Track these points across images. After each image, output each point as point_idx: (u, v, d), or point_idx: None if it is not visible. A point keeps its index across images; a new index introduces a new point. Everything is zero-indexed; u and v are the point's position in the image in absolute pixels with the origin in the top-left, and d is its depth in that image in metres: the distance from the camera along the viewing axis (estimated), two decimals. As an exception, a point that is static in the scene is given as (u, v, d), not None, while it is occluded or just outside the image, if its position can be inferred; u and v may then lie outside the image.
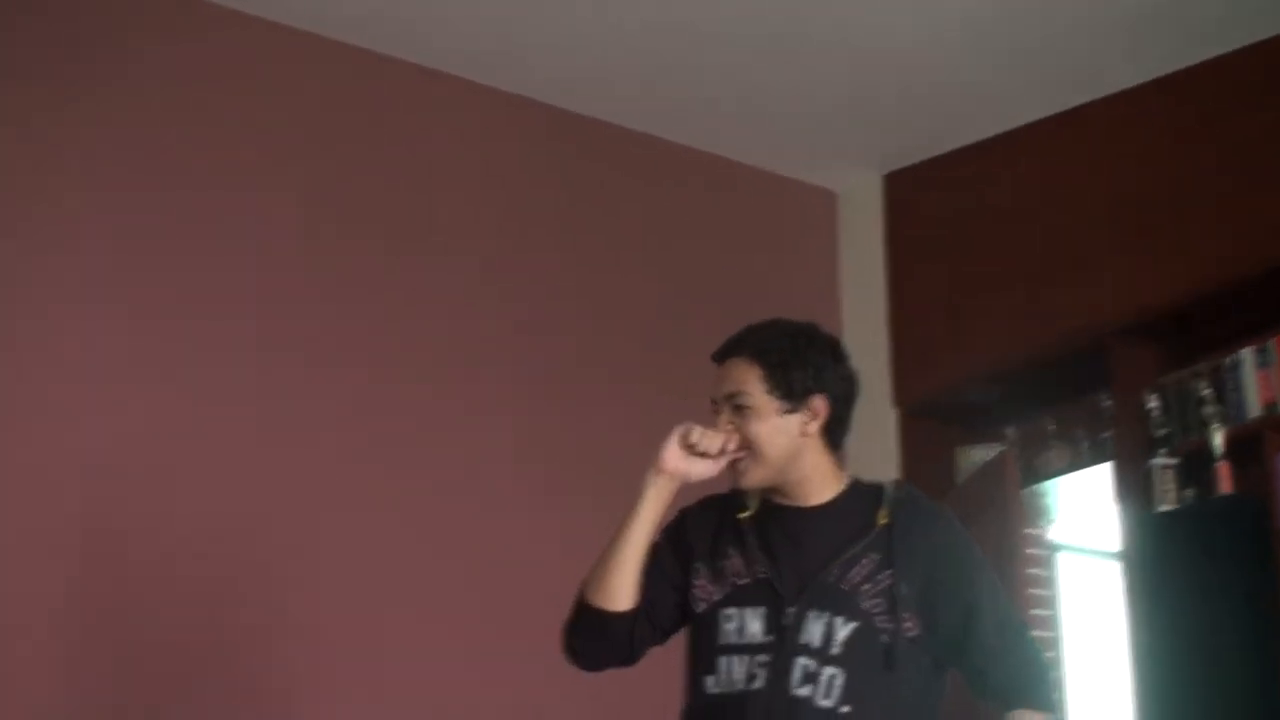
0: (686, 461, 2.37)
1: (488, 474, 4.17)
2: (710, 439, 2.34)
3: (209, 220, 3.97)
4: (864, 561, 2.29)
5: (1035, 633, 2.44)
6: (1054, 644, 5.24)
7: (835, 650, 2.25)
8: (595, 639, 2.42)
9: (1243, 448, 3.88)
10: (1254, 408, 3.90)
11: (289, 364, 3.99)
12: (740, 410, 2.35)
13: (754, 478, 2.36)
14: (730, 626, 2.32)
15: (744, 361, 2.37)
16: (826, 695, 2.23)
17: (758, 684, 2.26)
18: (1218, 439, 3.92)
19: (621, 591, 2.38)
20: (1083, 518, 5.25)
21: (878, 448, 4.79)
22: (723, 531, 2.40)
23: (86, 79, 3.87)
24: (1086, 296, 4.31)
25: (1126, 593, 4.08)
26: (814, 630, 2.26)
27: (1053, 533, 5.35)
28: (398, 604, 3.91)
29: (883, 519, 2.33)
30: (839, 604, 2.27)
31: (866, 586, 2.28)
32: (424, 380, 4.16)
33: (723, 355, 2.42)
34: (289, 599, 3.80)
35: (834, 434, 2.40)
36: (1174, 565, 3.92)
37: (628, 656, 2.43)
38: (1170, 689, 3.87)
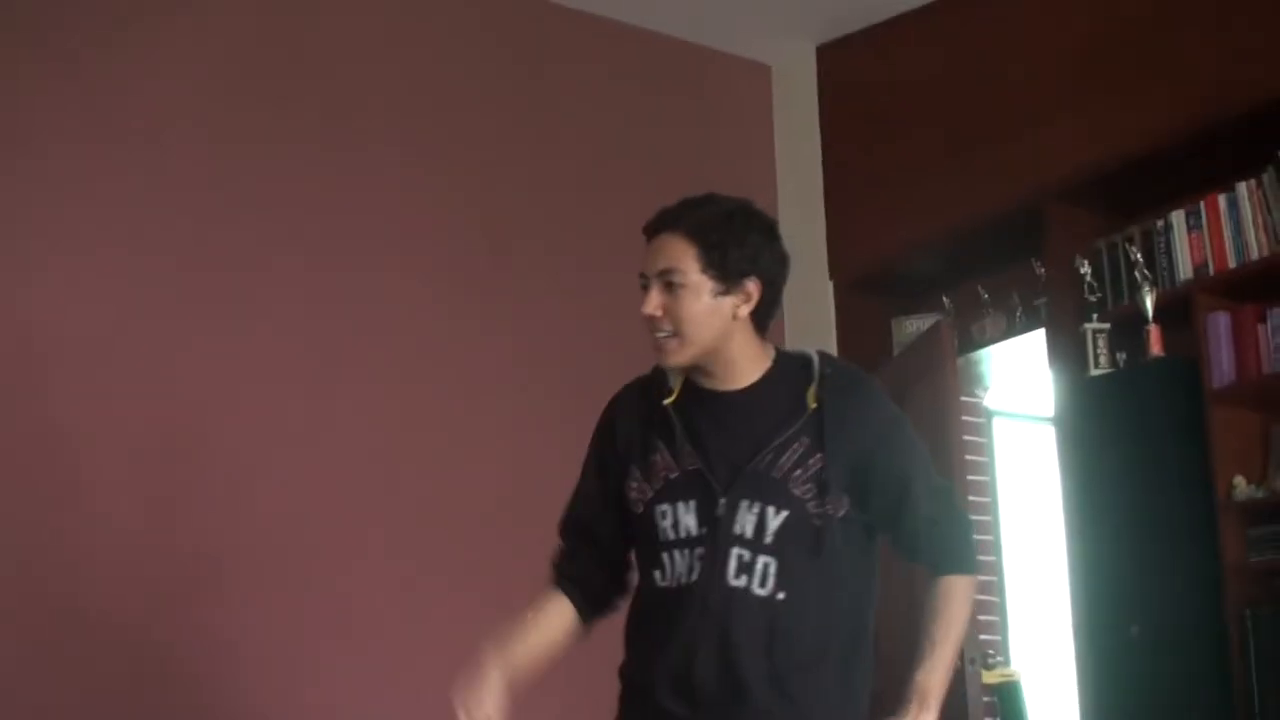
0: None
1: (445, 361, 4.18)
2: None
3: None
4: (795, 446, 2.27)
5: (958, 495, 2.49)
6: (990, 508, 5.35)
7: (768, 539, 2.24)
8: (600, 617, 2.45)
9: (1174, 311, 3.93)
10: (1185, 270, 3.94)
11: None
12: (672, 288, 2.27)
13: (679, 357, 2.30)
14: (666, 523, 2.30)
15: (679, 238, 2.29)
16: (762, 584, 2.24)
17: (695, 576, 2.26)
18: (1149, 302, 3.97)
19: (566, 638, 2.40)
20: (1017, 384, 5.32)
21: (815, 321, 4.81)
22: (651, 422, 2.36)
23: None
24: (1019, 162, 4.31)
25: (1060, 457, 4.15)
26: (746, 520, 2.25)
27: (988, 399, 5.43)
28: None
29: (812, 401, 2.29)
30: (770, 493, 2.25)
31: (798, 472, 2.26)
32: (368, 260, 4.15)
33: (656, 228, 2.33)
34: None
35: (763, 316, 2.35)
36: (1107, 429, 3.98)
37: (623, 589, 2.43)
38: (1103, 551, 3.95)
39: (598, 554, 2.42)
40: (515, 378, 4.19)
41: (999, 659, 4.99)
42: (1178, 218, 3.97)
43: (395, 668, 3.83)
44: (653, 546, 2.32)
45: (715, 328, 2.29)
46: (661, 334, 2.29)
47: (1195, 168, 3.93)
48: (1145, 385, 3.96)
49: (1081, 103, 4.18)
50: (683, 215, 2.32)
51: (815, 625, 2.26)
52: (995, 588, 5.30)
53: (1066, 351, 4.14)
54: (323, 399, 3.97)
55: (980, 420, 5.42)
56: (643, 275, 2.32)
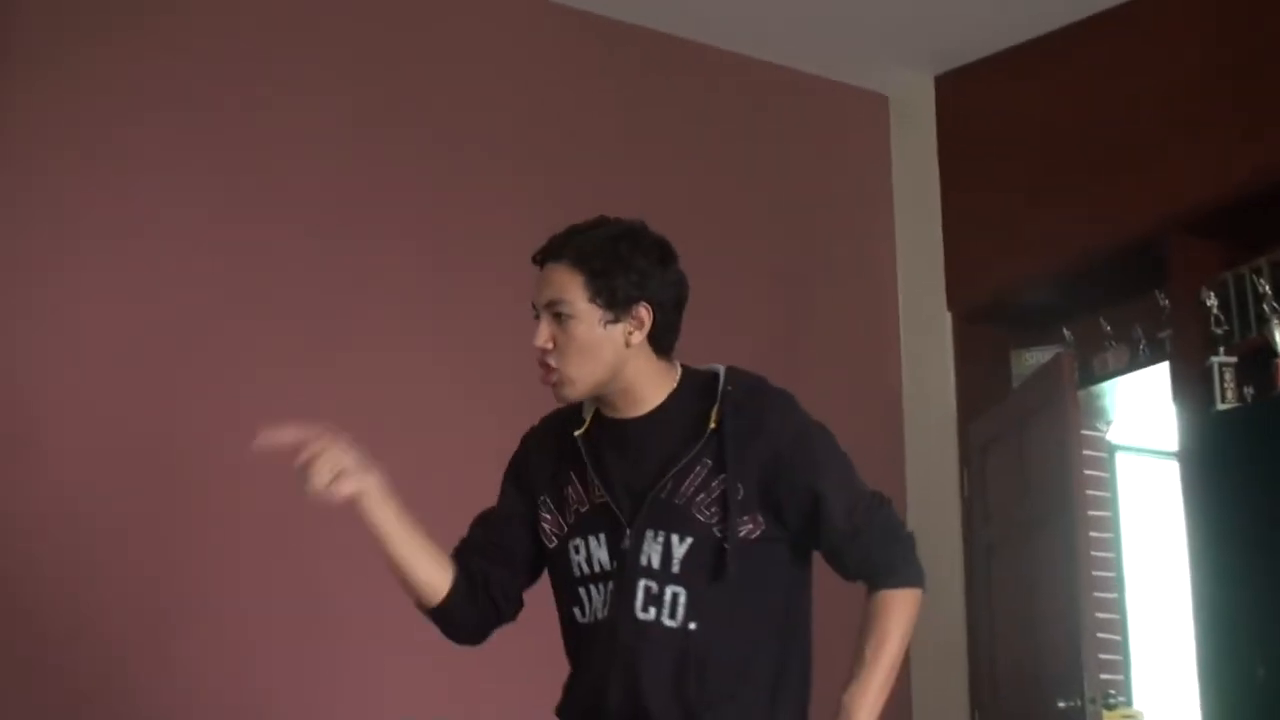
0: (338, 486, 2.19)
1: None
2: (317, 475, 2.16)
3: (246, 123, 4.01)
4: (697, 469, 2.20)
5: (890, 505, 2.29)
6: (1113, 544, 5.25)
7: (675, 568, 2.18)
8: (451, 629, 2.36)
9: (1303, 344, 3.84)
10: (1315, 304, 3.85)
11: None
12: (561, 319, 2.21)
13: (572, 391, 2.24)
14: (580, 558, 2.26)
15: (564, 267, 2.22)
16: (671, 615, 2.17)
17: (605, 611, 2.21)
18: (1278, 336, 3.88)
19: (426, 586, 2.29)
20: (1141, 418, 5.23)
21: (932, 352, 4.79)
22: (563, 454, 2.31)
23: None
24: (1143, 193, 4.25)
25: (1184, 492, 4.06)
26: (652, 550, 2.19)
27: (1111, 433, 5.33)
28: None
29: (712, 422, 2.21)
30: (674, 520, 2.19)
31: (701, 497, 2.19)
32: (482, 299, 4.18)
33: (543, 258, 2.26)
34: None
35: (661, 340, 2.26)
36: (1232, 464, 3.90)
37: (498, 616, 2.35)
38: (1229, 590, 3.86)
39: (491, 560, 2.33)
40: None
41: (1120, 699, 4.89)
42: (1308, 249, 3.89)
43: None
44: (569, 582, 2.28)
45: (606, 359, 2.22)
46: (549, 371, 2.23)
47: (1326, 198, 3.86)
48: (1273, 421, 3.87)
49: (1204, 133, 4.11)
50: (568, 243, 2.26)
51: (733, 656, 2.18)
52: (1118, 626, 5.20)
53: (1192, 385, 4.06)
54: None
55: (1102, 455, 5.32)
56: (534, 306, 2.26)
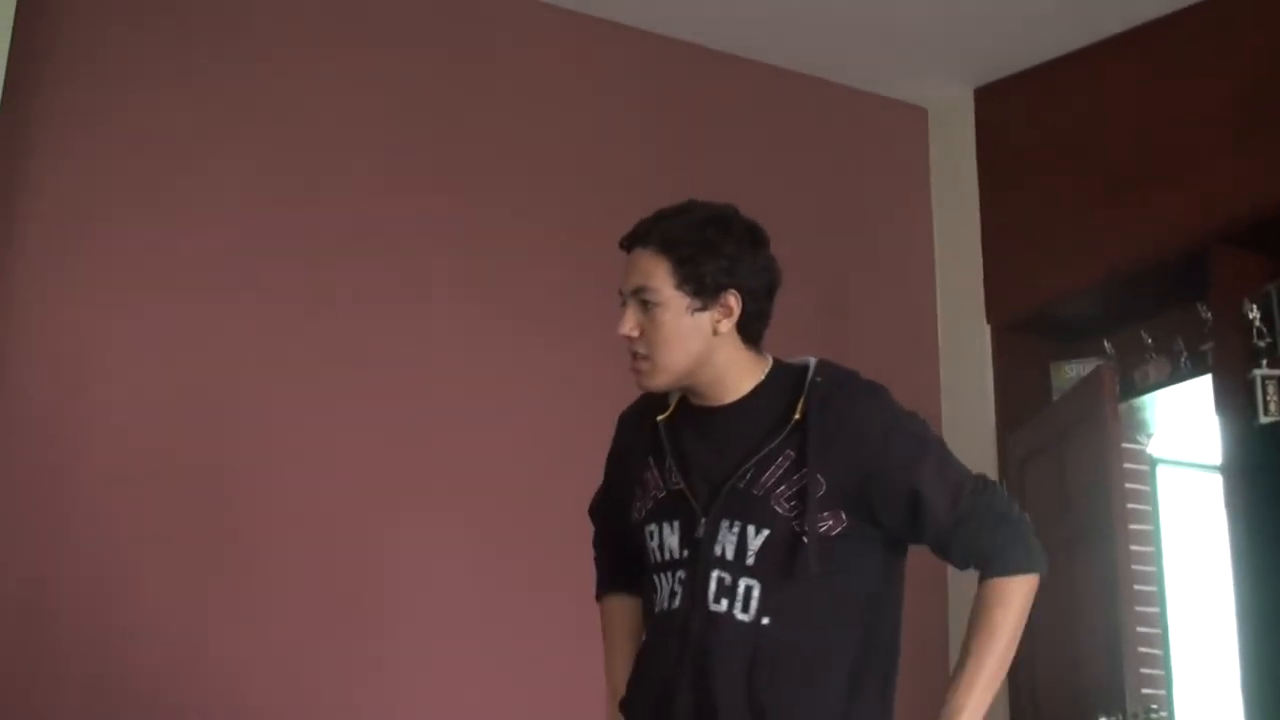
0: None
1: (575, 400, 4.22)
2: None
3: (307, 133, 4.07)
4: (779, 461, 2.14)
5: (998, 487, 2.23)
6: (1154, 558, 5.21)
7: (750, 560, 2.12)
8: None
9: (1347, 357, 3.81)
10: (1359, 316, 3.82)
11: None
12: (647, 306, 2.17)
13: (655, 382, 2.20)
14: (654, 544, 2.21)
15: (651, 253, 2.19)
16: (744, 609, 2.11)
17: (677, 602, 2.17)
18: (1321, 348, 3.86)
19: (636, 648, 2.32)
20: (1183, 431, 5.19)
21: (971, 364, 4.77)
22: (646, 438, 2.27)
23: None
24: (1184, 204, 4.22)
25: (1228, 506, 4.03)
26: (727, 541, 2.13)
27: (1152, 447, 5.30)
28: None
29: (797, 413, 2.15)
30: (751, 511, 2.13)
31: (781, 489, 2.13)
32: (519, 315, 4.21)
33: (629, 243, 2.23)
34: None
35: (750, 328, 2.21)
36: (1275, 477, 3.86)
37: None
38: (1273, 604, 3.83)
39: (623, 541, 2.37)
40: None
41: (1163, 713, 4.84)
42: (1352, 260, 3.85)
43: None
44: (646, 569, 2.25)
45: (694, 347, 2.18)
46: (636, 359, 2.20)
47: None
48: (1317, 434, 3.84)
49: (1245, 144, 4.08)
50: (655, 228, 2.22)
51: (806, 653, 2.11)
52: (1159, 640, 5.15)
53: (1234, 398, 4.03)
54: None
55: (1143, 468, 5.28)
56: (620, 293, 2.22)
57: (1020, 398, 4.70)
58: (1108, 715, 3.88)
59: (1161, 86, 4.40)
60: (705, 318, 2.18)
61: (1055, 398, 4.70)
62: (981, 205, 4.90)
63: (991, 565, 2.16)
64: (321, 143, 4.09)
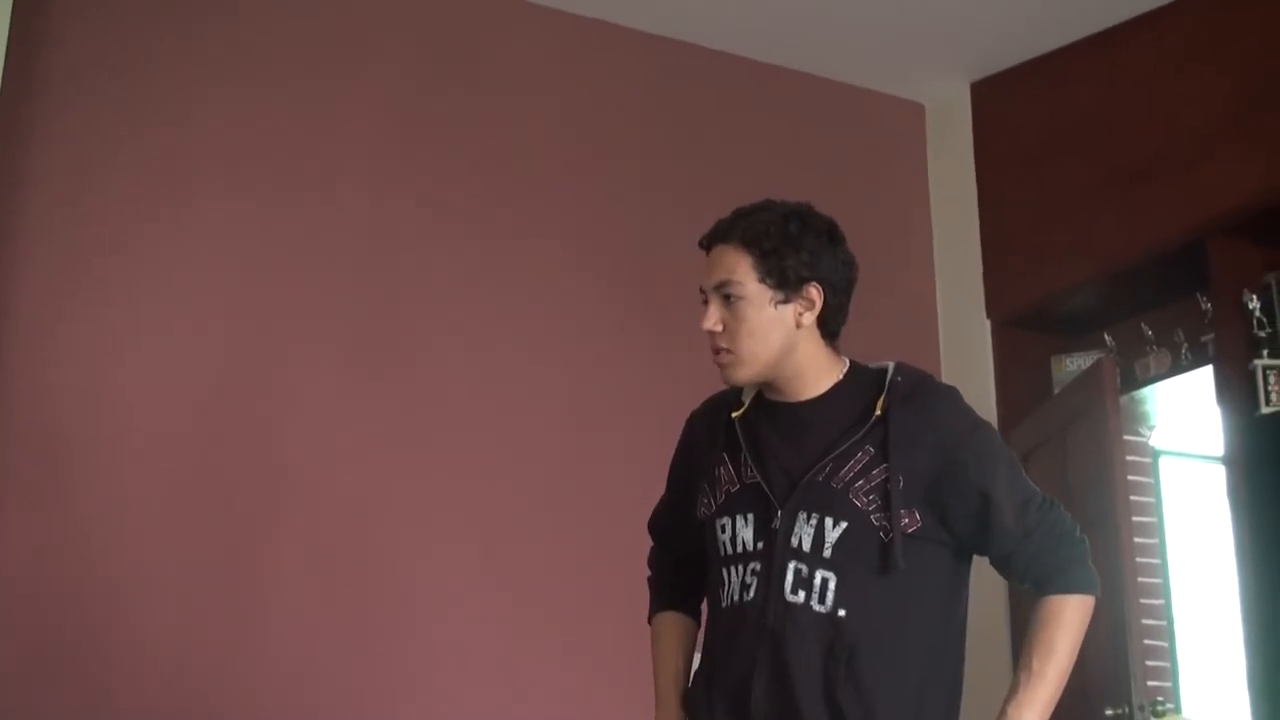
0: None
1: (583, 401, 4.22)
2: None
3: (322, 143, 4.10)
4: (858, 456, 2.16)
5: (1061, 507, 2.26)
6: (1158, 550, 5.21)
7: (827, 552, 2.14)
8: None
9: (1348, 346, 3.80)
10: (1359, 305, 3.82)
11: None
12: (730, 300, 2.21)
13: (739, 375, 2.23)
14: (725, 537, 2.23)
15: (734, 249, 2.22)
16: (821, 600, 2.13)
17: (752, 593, 2.18)
18: (1322, 338, 3.85)
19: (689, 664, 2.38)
20: (1184, 422, 5.19)
21: (972, 359, 4.77)
22: (718, 435, 2.30)
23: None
24: (1183, 196, 4.22)
25: (1230, 497, 4.03)
26: (804, 533, 2.15)
27: (1154, 439, 5.30)
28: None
29: (879, 409, 2.18)
30: (829, 503, 2.15)
31: (860, 483, 2.15)
32: (522, 316, 4.23)
33: (711, 241, 2.27)
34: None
35: (831, 323, 2.26)
36: (1278, 468, 3.86)
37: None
38: (1276, 592, 3.83)
39: (683, 554, 2.42)
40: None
41: (1169, 706, 4.84)
42: (1351, 250, 3.85)
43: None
44: (714, 562, 2.27)
45: (777, 340, 2.21)
46: (720, 353, 2.23)
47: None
48: (1319, 423, 3.84)
49: (1244, 134, 4.08)
50: (736, 225, 2.26)
51: (880, 647, 2.13)
52: (1164, 632, 5.15)
53: (1235, 389, 4.03)
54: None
55: (1145, 460, 5.28)
56: (701, 290, 2.26)
57: (1021, 392, 4.69)
58: (1114, 707, 3.88)
59: (1159, 78, 4.39)
60: (788, 310, 2.22)
61: (1056, 391, 4.70)
62: (980, 200, 4.90)
63: (1052, 583, 2.20)
64: (325, 153, 4.11)
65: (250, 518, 3.76)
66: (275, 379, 3.89)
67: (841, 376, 2.27)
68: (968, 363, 4.78)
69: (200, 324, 3.83)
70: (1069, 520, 2.26)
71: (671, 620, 2.43)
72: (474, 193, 4.26)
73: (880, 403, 2.19)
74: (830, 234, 2.29)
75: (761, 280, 2.21)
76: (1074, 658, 2.18)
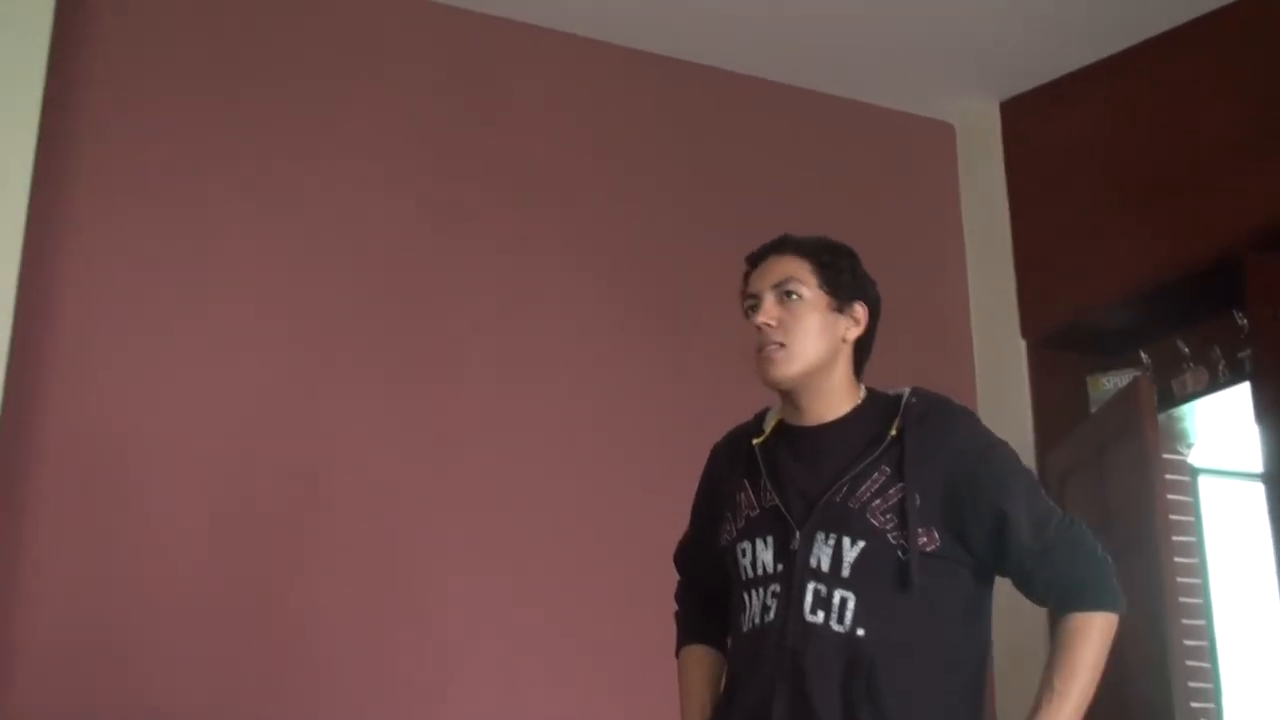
0: None
1: (620, 426, 4.22)
2: None
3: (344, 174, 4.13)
4: (875, 476, 2.19)
5: (1083, 525, 2.26)
6: (1199, 570, 5.16)
7: (845, 572, 2.15)
8: None
9: (1388, 361, 3.76)
10: (1399, 319, 3.78)
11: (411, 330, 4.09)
12: (790, 298, 2.28)
13: (787, 371, 2.26)
14: (746, 561, 2.25)
15: (794, 257, 2.32)
16: (839, 619, 2.14)
17: (772, 615, 2.19)
18: (1361, 353, 3.81)
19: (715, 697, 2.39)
20: (1223, 440, 5.14)
21: (1007, 379, 4.74)
22: (740, 463, 2.34)
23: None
24: (1217, 211, 4.20)
25: (1271, 514, 3.99)
26: (822, 553, 2.17)
27: (1193, 456, 5.25)
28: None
29: (894, 430, 2.21)
30: (847, 523, 2.17)
31: (877, 502, 2.17)
32: (560, 344, 4.25)
33: (767, 251, 2.35)
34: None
35: (863, 349, 2.34)
36: (1321, 484, 3.83)
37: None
38: (1322, 610, 3.79)
39: (708, 587, 2.44)
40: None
41: (1213, 726, 4.80)
42: (1390, 263, 3.81)
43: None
44: (736, 587, 2.29)
45: (825, 346, 2.28)
46: (772, 345, 2.26)
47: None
48: (1361, 439, 3.79)
49: (1277, 149, 4.05)
50: (790, 240, 2.36)
51: (899, 666, 2.13)
52: (1207, 653, 5.10)
53: (1274, 405, 3.99)
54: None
55: (1185, 479, 5.24)
56: (752, 295, 2.32)
57: (1057, 412, 4.66)
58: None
59: (1190, 93, 4.37)
60: (840, 321, 2.31)
61: (1093, 410, 4.67)
62: (1012, 219, 4.88)
63: (1074, 601, 2.20)
64: (358, 181, 4.15)
65: (286, 542, 3.78)
66: (310, 405, 3.91)
67: (859, 402, 2.32)
68: (1003, 384, 4.75)
69: (235, 352, 3.86)
70: (1090, 538, 2.25)
71: (699, 654, 2.45)
72: (508, 219, 4.28)
73: (896, 424, 2.23)
74: (867, 273, 2.39)
75: (820, 286, 2.29)
76: (1097, 676, 2.16)
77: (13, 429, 3.51)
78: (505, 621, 3.93)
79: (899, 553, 2.14)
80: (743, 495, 2.30)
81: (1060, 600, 2.21)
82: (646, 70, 4.62)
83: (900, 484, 2.17)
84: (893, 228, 4.86)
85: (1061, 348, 4.77)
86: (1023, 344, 4.78)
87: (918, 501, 2.16)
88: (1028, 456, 4.60)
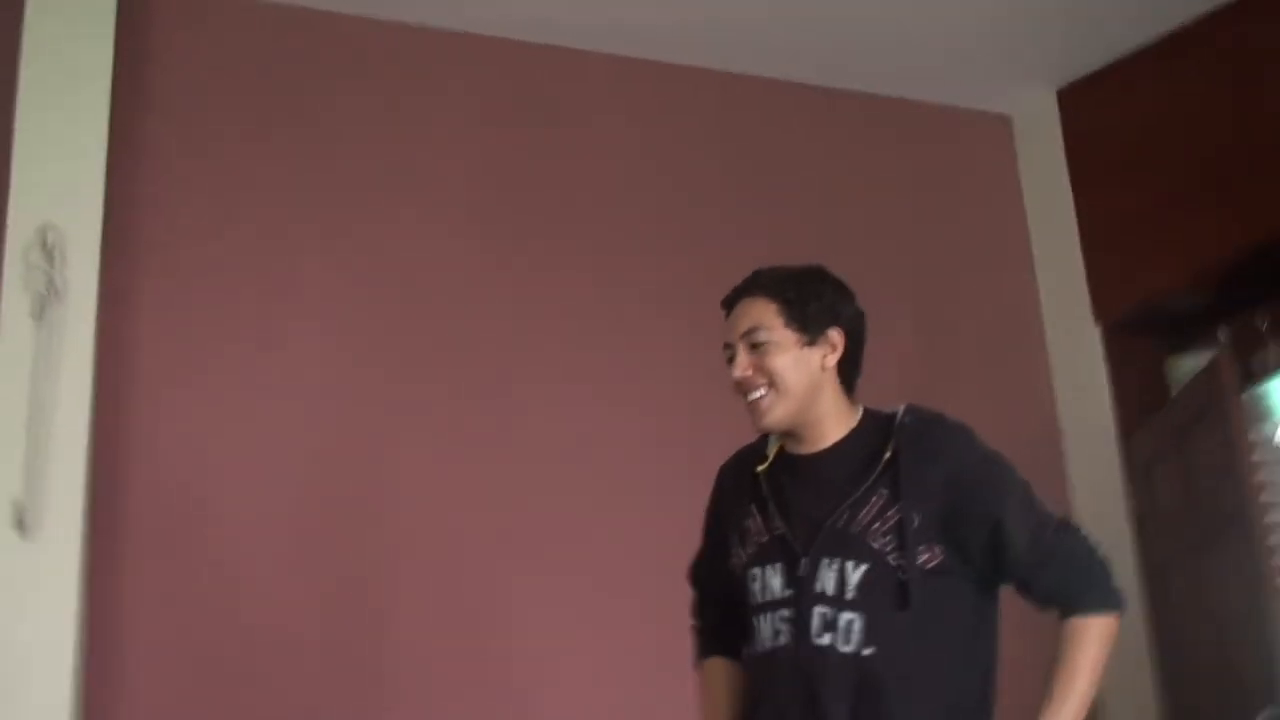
0: None
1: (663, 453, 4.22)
2: None
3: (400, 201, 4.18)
4: (873, 500, 2.24)
5: (1079, 530, 2.32)
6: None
7: (850, 594, 2.21)
8: None
9: None
10: None
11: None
12: (759, 347, 2.31)
13: (776, 415, 2.31)
14: (755, 586, 2.31)
15: (758, 300, 2.34)
16: (846, 640, 2.20)
17: (783, 639, 2.25)
18: None
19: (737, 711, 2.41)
20: (1310, 415, 5.05)
21: (1084, 366, 4.69)
22: (746, 488, 2.39)
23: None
24: (1286, 186, 4.13)
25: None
26: (827, 577, 2.22)
27: (1278, 435, 5.16)
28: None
29: (889, 451, 2.26)
30: (849, 548, 2.22)
31: (876, 525, 2.22)
32: (617, 355, 4.25)
33: (734, 298, 2.39)
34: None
35: (848, 372, 2.36)
36: None
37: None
38: None
39: (724, 601, 2.45)
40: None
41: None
42: None
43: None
44: (748, 611, 2.33)
45: (805, 380, 2.30)
46: (756, 394, 2.31)
47: None
48: None
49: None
50: (756, 280, 2.38)
51: (909, 684, 2.18)
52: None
53: (1360, 376, 3.92)
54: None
55: (1272, 458, 5.15)
56: (727, 346, 2.36)
57: (1138, 396, 4.61)
58: (1274, 705, 3.76)
59: (1253, 65, 4.31)
60: (814, 353, 2.32)
61: (1174, 393, 4.60)
62: (1076, 206, 4.83)
63: (1074, 606, 2.24)
64: (424, 230, 4.19)
65: (366, 564, 3.84)
66: (380, 446, 3.95)
67: (855, 424, 2.36)
68: (1079, 370, 4.70)
69: (310, 384, 3.93)
70: (1087, 542, 2.31)
71: (719, 666, 2.48)
72: (572, 248, 4.31)
73: (890, 445, 2.27)
74: (844, 288, 2.40)
75: (788, 325, 2.31)
76: (1098, 678, 2.21)
77: (106, 470, 3.60)
78: (589, 657, 3.94)
79: (899, 573, 2.20)
80: (751, 522, 2.35)
81: (1061, 605, 2.25)
82: (698, 86, 4.62)
83: (897, 505, 2.22)
84: (954, 225, 4.83)
85: (1137, 332, 4.71)
86: (1097, 330, 4.72)
87: (915, 522, 2.21)
88: (1110, 444, 4.55)
